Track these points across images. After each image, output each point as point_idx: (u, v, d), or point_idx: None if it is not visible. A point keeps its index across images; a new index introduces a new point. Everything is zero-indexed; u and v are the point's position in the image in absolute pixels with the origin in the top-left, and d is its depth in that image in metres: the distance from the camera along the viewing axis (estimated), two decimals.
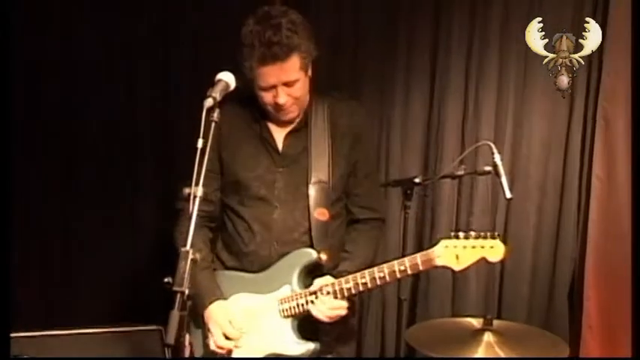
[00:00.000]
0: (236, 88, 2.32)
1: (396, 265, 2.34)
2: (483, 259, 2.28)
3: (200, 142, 2.12)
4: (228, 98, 2.28)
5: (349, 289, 2.38)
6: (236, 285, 2.52)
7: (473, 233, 2.31)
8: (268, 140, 2.53)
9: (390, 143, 3.82)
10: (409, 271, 2.34)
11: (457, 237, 2.29)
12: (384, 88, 3.83)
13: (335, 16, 3.81)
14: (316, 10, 3.73)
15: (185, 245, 2.02)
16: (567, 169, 3.69)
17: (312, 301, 2.42)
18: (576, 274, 3.71)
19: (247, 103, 2.53)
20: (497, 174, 2.73)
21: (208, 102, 2.18)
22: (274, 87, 2.38)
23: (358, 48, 3.83)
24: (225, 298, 2.51)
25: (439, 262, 2.31)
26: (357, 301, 2.69)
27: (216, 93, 2.22)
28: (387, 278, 2.35)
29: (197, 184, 2.08)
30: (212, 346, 2.48)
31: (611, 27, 3.47)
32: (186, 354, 2.41)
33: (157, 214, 3.87)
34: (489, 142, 2.77)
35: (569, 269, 3.73)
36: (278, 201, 2.50)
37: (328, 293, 2.39)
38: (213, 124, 2.16)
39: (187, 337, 2.42)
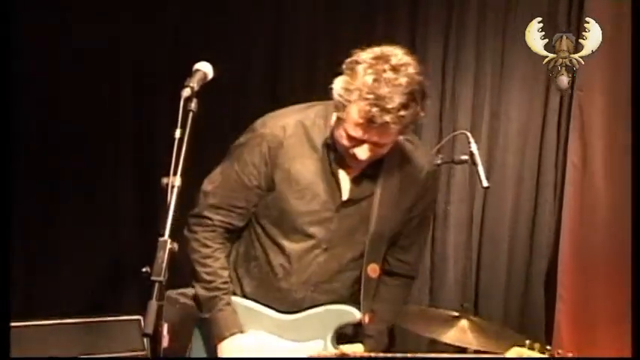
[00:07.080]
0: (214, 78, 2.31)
1: None
2: None
3: (178, 132, 2.11)
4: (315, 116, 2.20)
5: None
6: (257, 321, 2.32)
7: None
8: (335, 175, 2.25)
9: None
10: None
11: None
12: None
13: (311, 13, 3.83)
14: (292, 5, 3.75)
15: (163, 234, 2.02)
16: (543, 157, 3.73)
17: None
18: (552, 262, 3.76)
19: (324, 128, 2.24)
20: (473, 163, 2.76)
21: (186, 92, 2.18)
22: (362, 141, 2.09)
23: (335, 42, 3.81)
24: (242, 332, 2.31)
25: None
26: None
27: (194, 83, 2.21)
28: None
29: (175, 174, 2.08)
30: None
31: (586, 14, 3.50)
32: (165, 343, 2.42)
33: (137, 203, 3.86)
34: (466, 132, 2.81)
35: (546, 257, 3.77)
36: (328, 243, 2.27)
37: None
38: (190, 114, 2.16)
39: (165, 326, 2.42)
